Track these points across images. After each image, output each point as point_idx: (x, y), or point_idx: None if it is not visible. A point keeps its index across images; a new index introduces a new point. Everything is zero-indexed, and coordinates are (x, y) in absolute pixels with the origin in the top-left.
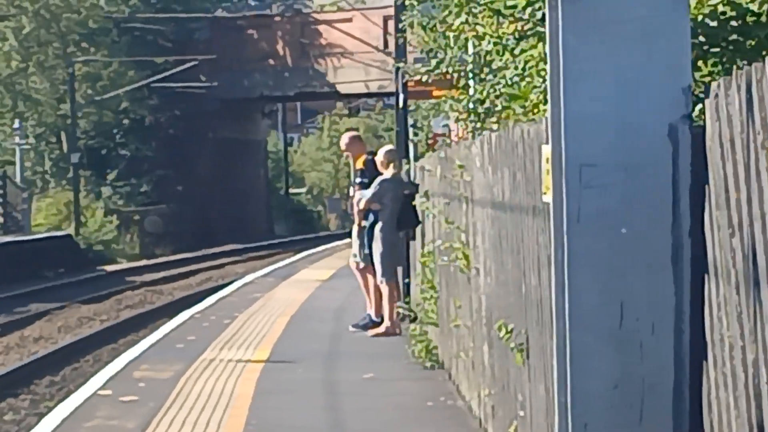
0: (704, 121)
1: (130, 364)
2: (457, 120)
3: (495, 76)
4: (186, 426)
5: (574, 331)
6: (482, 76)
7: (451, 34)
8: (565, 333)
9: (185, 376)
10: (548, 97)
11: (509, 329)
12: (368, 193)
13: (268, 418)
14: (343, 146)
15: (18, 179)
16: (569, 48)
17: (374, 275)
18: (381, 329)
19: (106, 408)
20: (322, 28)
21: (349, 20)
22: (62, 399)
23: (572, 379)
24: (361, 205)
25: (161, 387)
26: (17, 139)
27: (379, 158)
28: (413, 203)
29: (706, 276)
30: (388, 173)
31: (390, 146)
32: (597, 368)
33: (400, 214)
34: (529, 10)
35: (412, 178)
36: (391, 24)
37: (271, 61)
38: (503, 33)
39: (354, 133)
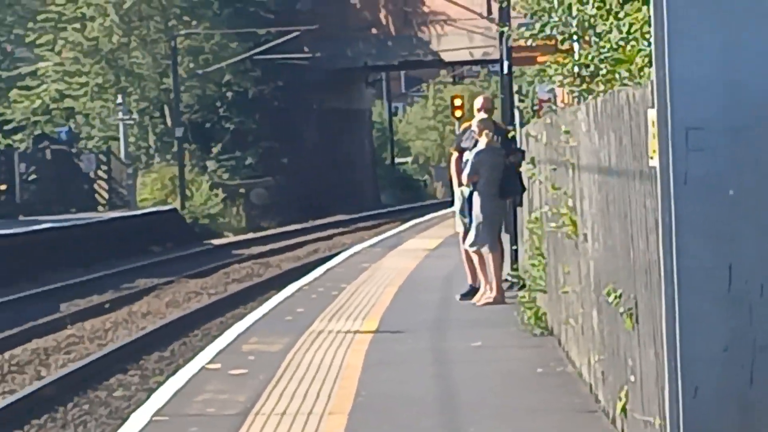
0: None
1: (239, 337)
2: (561, 85)
3: (600, 39)
4: (296, 398)
5: (683, 295)
6: (587, 39)
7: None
8: (674, 297)
9: (294, 348)
10: (653, 60)
11: (618, 294)
12: (466, 168)
13: (377, 389)
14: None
15: (122, 155)
16: (674, 10)
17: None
18: (489, 298)
19: (215, 382)
20: None
21: None
22: (171, 374)
23: (682, 342)
24: (464, 182)
25: (270, 359)
26: (120, 115)
27: (474, 127)
28: (519, 170)
29: None
30: (482, 143)
31: (483, 114)
32: (707, 331)
33: (504, 181)
34: None
35: (518, 145)
36: None
37: (374, 30)
38: None
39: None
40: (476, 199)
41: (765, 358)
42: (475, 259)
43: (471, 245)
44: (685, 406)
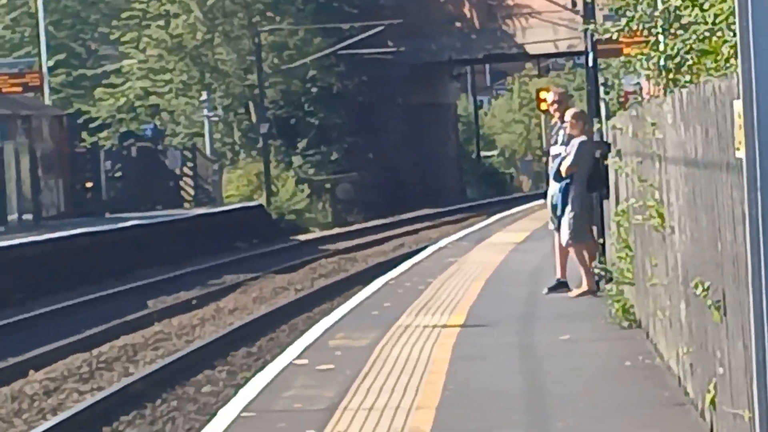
0: None
1: (326, 332)
2: (648, 78)
3: (685, 31)
4: (383, 393)
5: None
6: (672, 31)
7: None
8: (761, 289)
9: (381, 343)
10: (738, 50)
11: (706, 286)
12: (569, 158)
13: (465, 383)
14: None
15: (208, 151)
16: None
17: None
18: (582, 290)
19: (302, 377)
20: None
21: None
22: (259, 369)
23: None
24: (564, 172)
25: (357, 354)
26: (205, 111)
27: (568, 119)
28: (605, 163)
29: None
30: (584, 135)
31: (578, 107)
32: None
33: (591, 174)
34: None
35: (603, 138)
36: None
37: (458, 24)
38: None
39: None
40: (573, 194)
41: None
42: (573, 253)
43: (571, 242)
44: None
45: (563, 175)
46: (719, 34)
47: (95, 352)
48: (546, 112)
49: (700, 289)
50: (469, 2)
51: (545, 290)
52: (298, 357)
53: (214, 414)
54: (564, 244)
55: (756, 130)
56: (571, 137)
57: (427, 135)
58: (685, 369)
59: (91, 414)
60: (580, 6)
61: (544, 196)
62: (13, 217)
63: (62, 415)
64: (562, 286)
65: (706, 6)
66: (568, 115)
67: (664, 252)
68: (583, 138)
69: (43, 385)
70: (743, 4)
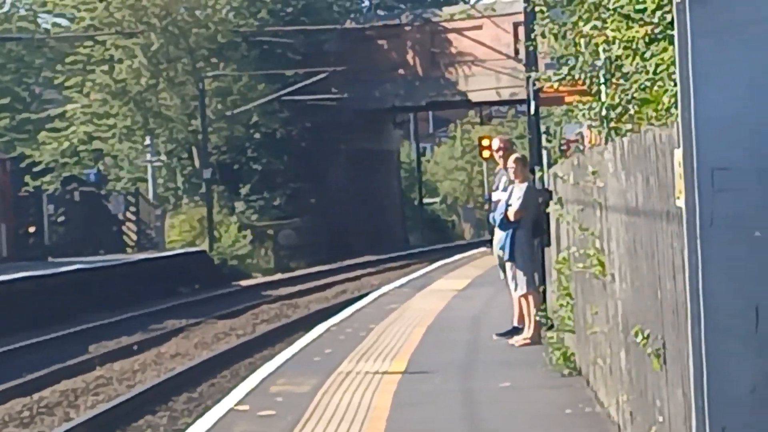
0: None
1: (267, 378)
2: (589, 127)
3: (626, 80)
4: None
5: (710, 336)
6: (613, 81)
7: (582, 40)
8: (700, 337)
9: (322, 389)
10: (678, 100)
11: (646, 334)
12: (516, 203)
13: (405, 430)
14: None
15: (150, 196)
16: (699, 50)
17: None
18: (525, 338)
19: (244, 423)
20: (451, 36)
21: (479, 28)
22: (200, 415)
23: (709, 383)
24: (513, 217)
25: (299, 401)
26: (149, 156)
27: (511, 165)
28: (546, 210)
29: None
30: (528, 180)
31: (519, 153)
32: (734, 372)
33: (534, 221)
34: (658, 13)
35: (545, 185)
36: (521, 30)
37: (402, 71)
38: (633, 37)
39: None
40: (520, 240)
41: None
42: (525, 302)
43: (530, 289)
44: None
45: (512, 220)
46: (660, 83)
47: (36, 396)
48: (488, 159)
49: (640, 337)
50: (413, 50)
51: (495, 336)
52: (240, 403)
53: None
54: (522, 292)
55: (696, 179)
56: (512, 182)
57: (370, 181)
58: (625, 417)
59: None
60: (522, 55)
61: (486, 243)
62: None
63: None
64: (515, 332)
65: (647, 56)
66: (511, 160)
67: (605, 300)
68: (528, 183)
69: None
70: (683, 54)
